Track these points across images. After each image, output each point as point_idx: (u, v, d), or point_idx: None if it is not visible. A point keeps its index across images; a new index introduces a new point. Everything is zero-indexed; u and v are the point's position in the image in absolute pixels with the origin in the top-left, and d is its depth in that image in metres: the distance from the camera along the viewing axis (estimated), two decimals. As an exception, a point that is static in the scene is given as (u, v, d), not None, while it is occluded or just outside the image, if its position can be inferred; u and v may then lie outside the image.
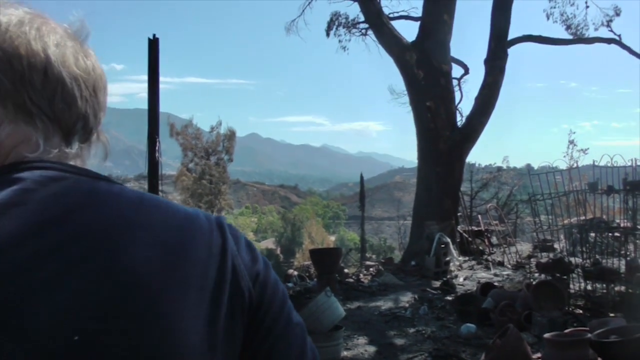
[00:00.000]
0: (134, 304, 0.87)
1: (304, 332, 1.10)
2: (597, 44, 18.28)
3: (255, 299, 1.02)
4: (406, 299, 9.89)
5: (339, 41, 19.72)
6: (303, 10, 19.66)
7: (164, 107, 8.27)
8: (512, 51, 15.71)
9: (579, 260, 9.38)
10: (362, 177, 19.04)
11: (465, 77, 19.25)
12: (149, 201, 0.98)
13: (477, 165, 30.19)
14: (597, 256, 9.10)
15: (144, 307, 0.87)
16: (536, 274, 10.50)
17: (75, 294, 0.83)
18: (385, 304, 9.54)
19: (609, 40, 17.45)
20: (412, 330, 7.94)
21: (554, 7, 18.90)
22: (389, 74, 21.41)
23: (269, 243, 64.89)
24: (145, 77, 8.77)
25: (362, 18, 18.14)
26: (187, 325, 0.90)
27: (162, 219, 0.96)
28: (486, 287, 9.24)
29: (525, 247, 15.58)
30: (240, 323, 0.99)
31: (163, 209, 0.98)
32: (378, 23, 16.07)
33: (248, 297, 1.00)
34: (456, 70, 17.96)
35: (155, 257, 0.91)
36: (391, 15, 17.46)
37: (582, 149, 22.34)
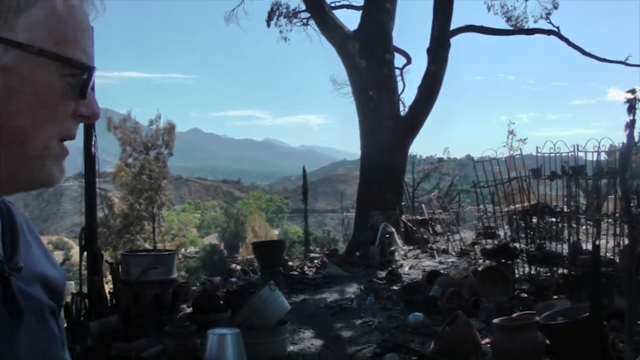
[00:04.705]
0: None
1: None
2: (536, 36, 18.51)
3: None
4: (352, 290, 9.77)
5: (280, 31, 19.50)
6: (243, -1, 19.38)
7: (100, 102, 7.81)
8: (453, 43, 15.76)
9: (522, 246, 9.45)
10: (304, 171, 18.85)
11: (407, 66, 19.27)
12: None
13: (418, 156, 30.33)
14: (540, 241, 9.19)
15: None
16: (481, 260, 10.55)
17: None
18: (330, 296, 9.40)
19: (548, 32, 17.65)
20: (359, 321, 7.81)
21: (495, -1, 19.01)
22: (330, 65, 21.24)
23: (212, 239, 64.21)
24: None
25: (303, 7, 17.95)
26: None
27: None
28: (432, 275, 9.18)
29: (468, 235, 15.69)
30: None
31: None
32: (319, 12, 15.88)
33: None
34: (399, 60, 17.95)
35: None
36: (333, 5, 17.30)
37: (521, 139, 22.76)
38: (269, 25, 19.40)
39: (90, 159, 8.13)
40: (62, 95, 0.88)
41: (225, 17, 19.91)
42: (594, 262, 5.32)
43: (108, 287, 8.48)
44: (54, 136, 0.90)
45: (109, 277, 8.95)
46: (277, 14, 19.23)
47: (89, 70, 0.90)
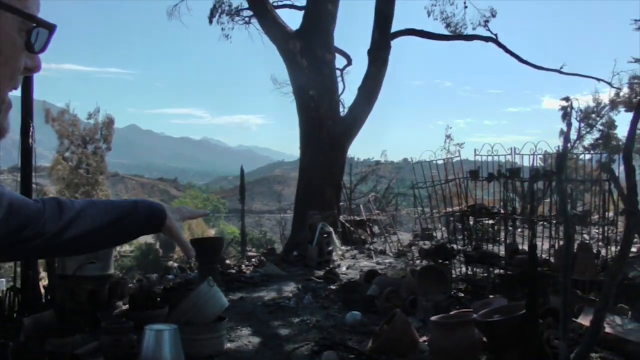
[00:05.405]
0: None
1: None
2: (474, 43, 18.79)
3: None
4: (290, 289, 9.74)
5: (222, 29, 19.37)
6: (186, -6, 19.21)
7: (38, 94, 7.80)
8: (393, 46, 15.85)
9: (459, 247, 9.58)
10: (242, 170, 18.72)
11: (348, 68, 19.37)
12: None
13: (356, 159, 30.56)
14: (478, 242, 9.34)
15: None
16: (418, 261, 10.66)
17: None
18: (268, 295, 9.34)
19: (486, 39, 17.91)
20: (296, 320, 7.77)
21: (435, 5, 19.22)
22: (271, 65, 21.29)
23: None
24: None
25: (245, 5, 17.85)
26: None
27: None
28: (370, 275, 9.22)
29: (405, 237, 15.86)
30: None
31: None
32: (262, 10, 15.79)
33: None
34: (339, 61, 18.02)
35: None
36: (275, 4, 17.27)
37: (458, 144, 23.31)
38: (210, 22, 19.23)
39: (27, 150, 7.84)
40: (21, 50, 0.88)
41: (168, 12, 19.67)
42: (531, 259, 5.42)
43: (43, 282, 8.24)
44: (9, 90, 0.89)
45: (43, 273, 8.71)
46: (219, 11, 19.07)
47: (52, 28, 0.90)
